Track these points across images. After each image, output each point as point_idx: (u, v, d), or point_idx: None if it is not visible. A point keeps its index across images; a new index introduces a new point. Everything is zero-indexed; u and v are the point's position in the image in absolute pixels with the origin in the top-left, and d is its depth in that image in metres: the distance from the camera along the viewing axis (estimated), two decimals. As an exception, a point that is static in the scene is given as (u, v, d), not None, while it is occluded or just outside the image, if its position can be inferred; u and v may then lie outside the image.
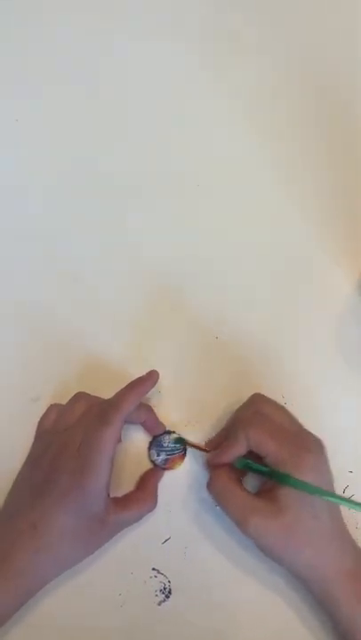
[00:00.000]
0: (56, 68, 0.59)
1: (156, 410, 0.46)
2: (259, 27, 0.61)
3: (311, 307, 0.50)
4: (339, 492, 0.44)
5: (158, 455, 0.44)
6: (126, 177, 0.55)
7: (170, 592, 0.41)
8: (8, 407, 0.46)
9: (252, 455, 0.40)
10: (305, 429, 0.41)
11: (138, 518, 0.41)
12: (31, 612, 0.40)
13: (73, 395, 0.45)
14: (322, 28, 0.61)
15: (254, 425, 0.39)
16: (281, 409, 0.42)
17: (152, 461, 0.44)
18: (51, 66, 0.59)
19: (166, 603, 0.41)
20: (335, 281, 0.51)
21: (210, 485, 0.39)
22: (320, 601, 0.38)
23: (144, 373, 0.44)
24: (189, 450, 0.44)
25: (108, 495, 0.39)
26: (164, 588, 0.41)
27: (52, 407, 0.46)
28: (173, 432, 0.45)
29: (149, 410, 0.45)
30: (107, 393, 0.45)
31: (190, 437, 0.45)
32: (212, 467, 0.41)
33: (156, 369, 0.44)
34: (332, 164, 0.55)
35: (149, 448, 0.44)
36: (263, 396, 0.43)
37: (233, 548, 0.42)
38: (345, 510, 0.40)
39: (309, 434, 0.41)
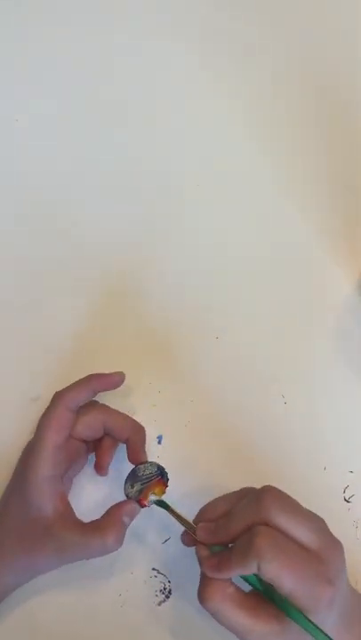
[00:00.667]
0: (56, 68, 0.59)
1: (155, 409, 0.46)
2: (259, 27, 0.61)
3: (311, 307, 0.50)
4: (339, 491, 0.44)
5: (133, 487, 0.39)
6: (126, 177, 0.55)
7: (170, 592, 0.41)
8: (8, 407, 0.46)
9: None
10: (324, 539, 0.33)
11: (88, 549, 0.36)
12: (31, 612, 0.40)
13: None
14: (322, 27, 0.61)
15: (274, 557, 0.31)
16: (299, 515, 0.34)
17: (125, 495, 0.39)
18: (51, 66, 0.59)
19: (166, 603, 0.41)
20: (335, 281, 0.51)
21: (202, 601, 0.34)
22: None
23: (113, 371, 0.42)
24: (175, 461, 0.41)
25: (61, 500, 0.37)
26: (164, 588, 0.41)
27: None
28: (155, 463, 0.40)
29: (138, 430, 0.41)
30: (106, 393, 0.45)
31: (190, 440, 0.45)
32: (203, 565, 0.35)
33: (123, 371, 0.42)
34: (331, 164, 0.55)
35: (125, 482, 0.40)
36: (277, 496, 0.34)
37: (233, 548, 0.42)
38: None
39: (329, 546, 0.33)
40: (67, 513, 0.38)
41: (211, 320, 0.49)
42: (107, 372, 0.43)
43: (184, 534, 0.38)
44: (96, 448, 0.43)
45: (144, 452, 0.41)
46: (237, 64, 0.59)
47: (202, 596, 0.34)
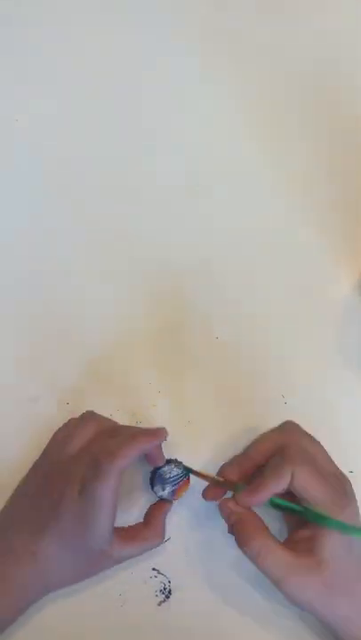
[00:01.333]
0: (56, 68, 0.59)
1: (155, 409, 0.46)
2: (259, 27, 0.61)
3: (311, 307, 0.50)
4: (339, 491, 0.44)
5: (164, 489, 0.42)
6: (126, 177, 0.55)
7: (170, 592, 0.41)
8: (8, 407, 0.46)
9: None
10: (339, 470, 0.39)
11: (140, 553, 0.40)
12: (31, 612, 0.40)
13: (83, 413, 0.44)
14: (322, 27, 0.61)
15: (301, 464, 0.35)
16: (318, 444, 0.39)
17: (159, 497, 0.42)
18: (51, 66, 0.59)
19: (166, 603, 0.41)
20: (335, 281, 0.51)
21: (245, 544, 0.36)
22: None
23: (153, 428, 0.41)
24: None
25: (112, 534, 0.38)
26: (164, 588, 0.41)
27: (70, 421, 0.44)
28: (173, 460, 0.43)
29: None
30: (107, 393, 0.45)
31: (190, 439, 0.45)
32: (231, 509, 0.37)
33: (165, 428, 0.41)
34: (331, 164, 0.55)
35: (153, 484, 0.42)
36: (299, 426, 0.40)
37: (233, 548, 0.42)
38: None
39: (343, 476, 0.39)
40: (116, 535, 0.38)
41: (211, 320, 0.49)
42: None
43: (207, 489, 0.39)
44: None
45: (163, 456, 0.42)
46: (238, 64, 0.59)
47: (243, 539, 0.36)
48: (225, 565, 0.42)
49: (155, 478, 0.42)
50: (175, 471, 0.42)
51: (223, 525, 0.42)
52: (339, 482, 0.37)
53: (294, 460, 0.35)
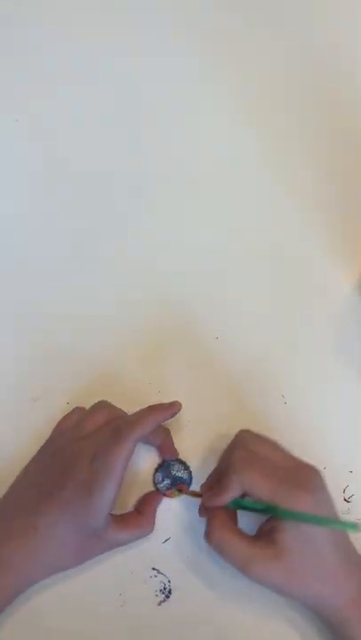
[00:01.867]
0: (56, 68, 0.59)
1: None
2: (259, 27, 0.61)
3: (311, 307, 0.50)
4: (339, 491, 0.44)
5: (163, 480, 0.43)
6: (126, 177, 0.55)
7: (170, 592, 0.41)
8: (8, 407, 0.46)
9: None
10: (300, 462, 0.40)
11: (132, 540, 0.41)
12: (31, 612, 0.40)
13: (95, 402, 0.44)
14: (322, 27, 0.61)
15: (246, 467, 0.38)
16: (271, 444, 0.41)
17: (155, 484, 0.43)
18: (51, 66, 0.59)
19: (166, 603, 0.41)
20: (335, 281, 0.51)
21: (208, 537, 0.38)
22: (336, 629, 0.37)
23: (167, 402, 0.43)
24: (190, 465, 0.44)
25: (111, 509, 0.39)
26: (164, 588, 0.41)
27: (75, 410, 0.45)
28: (185, 463, 0.44)
29: (167, 433, 0.45)
30: (107, 393, 0.45)
31: (190, 439, 0.45)
32: (206, 512, 0.40)
33: (179, 401, 0.43)
34: (331, 164, 0.55)
35: (156, 470, 0.44)
36: (250, 432, 0.41)
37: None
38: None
39: (305, 466, 0.39)
40: (114, 519, 0.40)
41: (211, 320, 0.49)
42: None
43: (200, 509, 0.41)
44: None
45: (175, 450, 0.44)
46: (237, 64, 0.59)
47: (207, 534, 0.38)
48: (225, 565, 0.42)
49: (161, 467, 0.44)
50: (183, 474, 0.44)
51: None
52: (293, 474, 0.38)
53: (239, 466, 0.38)
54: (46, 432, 0.45)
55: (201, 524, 0.43)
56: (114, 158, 0.56)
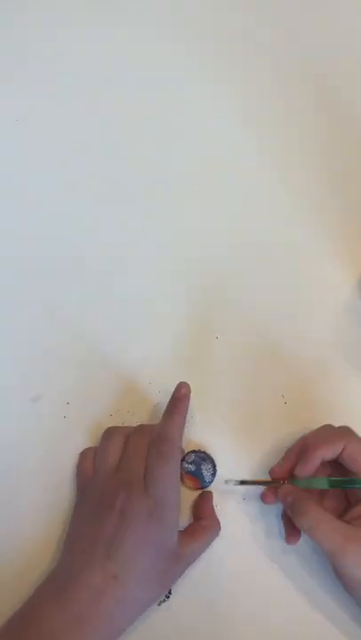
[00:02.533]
0: (56, 68, 0.59)
1: (155, 409, 0.46)
2: (259, 27, 0.61)
3: (311, 307, 0.50)
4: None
5: (207, 472, 0.43)
6: (126, 177, 0.55)
7: (170, 592, 0.41)
8: (8, 407, 0.46)
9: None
10: None
11: (206, 546, 0.41)
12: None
13: (104, 431, 0.44)
14: (322, 27, 0.61)
15: (354, 439, 0.38)
16: None
17: (205, 484, 0.43)
18: (51, 66, 0.59)
19: (166, 603, 0.41)
20: (335, 281, 0.51)
21: (300, 518, 0.37)
22: None
23: (173, 388, 0.43)
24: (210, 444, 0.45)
25: (178, 528, 0.39)
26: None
27: (86, 451, 0.43)
28: (211, 458, 0.44)
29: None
30: (107, 393, 0.45)
31: (190, 439, 0.45)
32: (289, 494, 0.39)
33: (181, 381, 0.44)
34: (332, 165, 0.55)
35: (197, 469, 0.44)
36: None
37: (233, 548, 0.42)
38: None
39: None
40: (182, 536, 0.39)
41: (211, 320, 0.49)
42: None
43: (263, 493, 0.41)
44: None
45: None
46: (237, 64, 0.59)
47: (299, 512, 0.37)
48: (225, 565, 0.42)
49: (194, 463, 0.44)
50: (210, 471, 0.44)
51: (223, 525, 0.42)
52: None
53: (347, 434, 0.39)
54: (46, 432, 0.45)
55: (201, 524, 0.43)
56: (114, 158, 0.56)
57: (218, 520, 0.42)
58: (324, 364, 0.48)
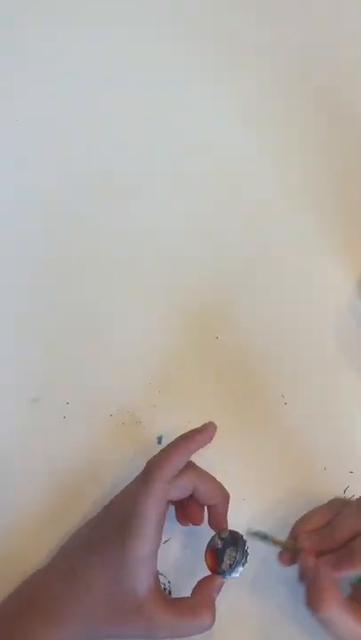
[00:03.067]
0: (56, 68, 0.59)
1: (155, 409, 0.46)
2: (259, 27, 0.61)
3: (311, 307, 0.50)
4: (339, 492, 0.44)
5: (235, 567, 0.37)
6: (126, 177, 0.55)
7: (170, 592, 0.41)
8: (8, 407, 0.46)
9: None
10: None
11: (187, 631, 0.35)
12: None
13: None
14: (322, 27, 0.61)
15: None
16: None
17: (220, 569, 0.37)
18: (51, 66, 0.59)
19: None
20: (335, 281, 0.51)
21: (316, 607, 0.33)
22: None
23: (200, 426, 0.39)
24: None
25: (154, 579, 0.35)
26: (164, 588, 0.41)
27: None
28: (239, 536, 0.38)
29: (225, 497, 0.39)
30: (107, 393, 0.45)
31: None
32: (315, 577, 0.34)
33: (213, 422, 0.39)
34: (332, 164, 0.55)
35: (220, 558, 0.37)
36: None
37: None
38: None
39: None
40: (158, 591, 0.36)
41: (211, 320, 0.49)
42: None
43: (281, 554, 0.37)
44: (184, 509, 0.40)
45: (226, 519, 0.39)
46: (237, 64, 0.59)
47: (317, 604, 0.33)
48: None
49: (214, 546, 0.38)
50: (236, 554, 0.38)
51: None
52: None
53: None
54: (46, 432, 0.45)
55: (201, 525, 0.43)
56: (114, 157, 0.56)
57: (211, 611, 0.36)
58: (325, 364, 0.48)
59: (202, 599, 0.36)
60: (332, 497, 0.42)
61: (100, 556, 0.36)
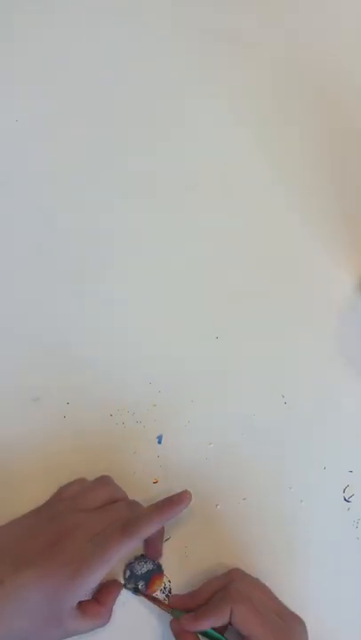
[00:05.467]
0: (56, 68, 0.59)
1: (155, 409, 0.46)
2: (259, 27, 0.61)
3: (311, 307, 0.50)
4: (338, 491, 0.44)
5: (137, 584, 0.41)
6: (126, 176, 0.55)
7: (170, 592, 0.41)
8: (8, 407, 0.46)
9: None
10: (287, 609, 0.39)
11: (87, 631, 0.38)
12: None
13: (100, 476, 0.42)
14: (323, 27, 0.61)
15: (240, 601, 0.37)
16: (262, 586, 0.40)
17: (131, 589, 0.41)
18: (51, 66, 0.59)
19: (166, 603, 0.41)
20: (335, 281, 0.51)
21: None
22: None
23: (173, 495, 0.40)
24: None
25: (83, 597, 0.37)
26: (164, 588, 0.41)
27: (77, 481, 0.42)
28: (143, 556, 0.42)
29: (161, 532, 0.42)
30: (107, 393, 0.45)
31: (190, 440, 0.45)
32: (179, 632, 0.39)
33: (188, 490, 0.41)
34: (332, 164, 0.55)
35: (127, 579, 0.41)
36: (243, 572, 0.40)
37: (233, 548, 0.42)
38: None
39: (292, 614, 0.39)
40: (80, 605, 0.38)
41: (211, 320, 0.49)
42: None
43: (173, 623, 0.40)
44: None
45: (161, 551, 0.42)
46: (237, 64, 0.59)
47: None
48: (224, 566, 0.42)
49: (129, 572, 0.41)
50: (146, 566, 0.41)
51: (223, 525, 0.42)
52: (283, 621, 0.38)
53: (234, 598, 0.37)
54: (46, 432, 0.45)
55: (201, 523, 0.43)
56: (113, 157, 0.56)
57: (110, 613, 0.39)
58: (325, 364, 0.48)
59: (106, 603, 0.40)
60: (331, 496, 0.42)
61: (42, 578, 0.36)
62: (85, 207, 0.54)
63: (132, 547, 0.37)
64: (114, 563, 0.36)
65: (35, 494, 0.43)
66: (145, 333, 0.49)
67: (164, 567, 0.42)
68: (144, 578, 0.41)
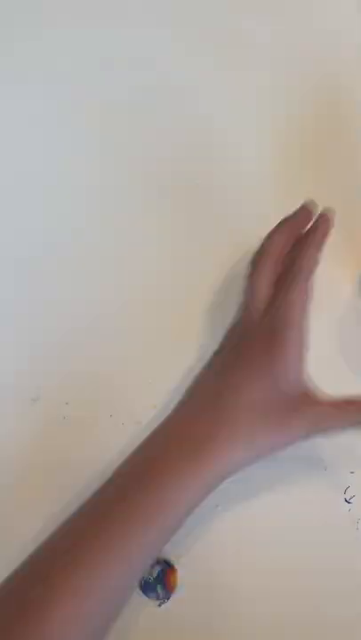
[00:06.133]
0: (56, 68, 0.59)
1: (155, 409, 0.46)
2: (259, 27, 0.61)
3: (311, 307, 0.50)
4: (340, 492, 0.44)
5: (158, 593, 0.40)
6: (126, 176, 0.55)
7: (170, 593, 0.41)
8: (8, 407, 0.46)
9: None
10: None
11: (341, 422, 0.37)
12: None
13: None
14: (325, 27, 0.61)
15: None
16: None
17: (158, 595, 0.40)
18: (51, 66, 0.59)
19: (166, 603, 0.41)
20: (335, 281, 0.51)
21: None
22: None
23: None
24: None
25: (304, 376, 0.36)
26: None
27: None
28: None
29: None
30: (107, 392, 0.45)
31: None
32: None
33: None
34: (332, 164, 0.55)
35: (145, 593, 0.40)
36: None
37: (234, 548, 0.42)
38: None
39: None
40: (312, 390, 0.37)
41: (211, 320, 0.49)
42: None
43: None
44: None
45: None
46: (238, 64, 0.59)
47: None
48: (225, 566, 0.42)
49: (142, 584, 0.41)
50: (156, 569, 0.41)
51: (223, 525, 0.42)
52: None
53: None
54: (46, 432, 0.45)
55: (201, 523, 0.43)
56: (114, 157, 0.56)
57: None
58: (324, 364, 0.48)
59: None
60: (332, 497, 0.42)
61: (246, 369, 0.35)
62: (85, 206, 0.54)
63: (265, 275, 0.37)
64: (303, 307, 0.37)
65: (34, 494, 0.43)
66: (145, 333, 0.49)
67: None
68: (159, 580, 0.40)
